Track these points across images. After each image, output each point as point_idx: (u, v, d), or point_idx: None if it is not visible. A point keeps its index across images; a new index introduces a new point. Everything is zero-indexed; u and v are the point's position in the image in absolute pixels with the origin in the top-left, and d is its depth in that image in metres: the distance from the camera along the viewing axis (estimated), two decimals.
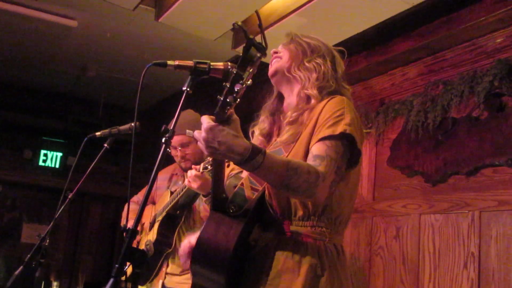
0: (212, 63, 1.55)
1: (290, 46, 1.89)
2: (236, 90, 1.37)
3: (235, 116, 1.47)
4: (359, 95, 4.10)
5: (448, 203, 3.30)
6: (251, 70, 1.40)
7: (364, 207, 3.91)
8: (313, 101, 1.77)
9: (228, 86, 1.38)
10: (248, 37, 1.41)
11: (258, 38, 1.46)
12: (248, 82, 1.40)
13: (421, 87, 3.65)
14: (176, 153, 3.12)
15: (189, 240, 1.82)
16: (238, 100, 1.39)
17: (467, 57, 3.36)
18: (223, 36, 4.00)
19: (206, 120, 1.44)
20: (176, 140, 3.02)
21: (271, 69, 1.90)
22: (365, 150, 4.00)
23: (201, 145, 1.46)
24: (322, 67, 1.82)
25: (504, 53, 3.15)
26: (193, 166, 2.71)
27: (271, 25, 3.54)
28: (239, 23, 1.42)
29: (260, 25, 1.49)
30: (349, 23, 3.49)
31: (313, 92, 1.78)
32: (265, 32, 3.83)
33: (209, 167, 2.63)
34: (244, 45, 1.42)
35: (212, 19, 3.76)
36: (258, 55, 1.41)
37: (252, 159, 1.45)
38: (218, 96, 1.39)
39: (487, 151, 3.14)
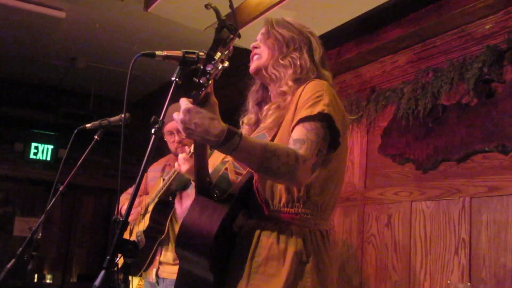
0: (201, 53, 1.55)
1: (268, 42, 1.88)
2: (208, 70, 1.38)
3: (213, 99, 1.48)
4: (349, 84, 4.10)
5: (439, 190, 3.32)
6: (226, 52, 1.41)
7: (356, 195, 3.93)
8: (287, 97, 1.77)
9: (200, 67, 1.40)
10: (220, 18, 1.42)
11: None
12: (225, 64, 1.41)
13: (412, 75, 3.66)
14: (172, 139, 3.12)
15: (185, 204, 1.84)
16: (211, 81, 1.40)
17: (457, 44, 3.36)
18: (213, 25, 3.98)
19: (184, 102, 1.45)
20: (173, 125, 3.03)
21: (251, 68, 1.90)
22: (356, 138, 4.02)
23: (178, 126, 1.47)
24: (298, 61, 1.82)
25: (493, 40, 3.15)
26: (184, 148, 2.71)
27: (259, 15, 3.52)
28: (212, 5, 1.43)
29: (231, 6, 1.50)
30: (338, 11, 3.48)
31: (287, 86, 1.78)
32: (253, 22, 3.83)
33: None
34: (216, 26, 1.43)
35: (202, 8, 3.71)
36: (231, 36, 1.42)
37: (228, 141, 1.46)
38: (194, 78, 1.40)
39: (477, 138, 3.16)
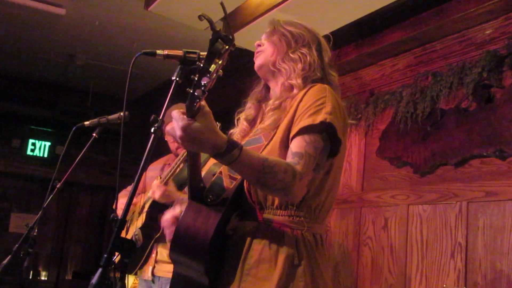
0: (201, 53, 1.54)
1: (273, 38, 1.88)
2: (203, 83, 1.36)
3: (207, 109, 1.45)
4: (349, 86, 4.10)
5: (436, 194, 3.32)
6: (220, 62, 1.39)
7: (353, 197, 3.92)
8: (295, 90, 1.76)
9: (195, 79, 1.37)
10: (215, 30, 1.40)
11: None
12: (219, 73, 1.39)
13: (411, 78, 3.66)
14: (172, 139, 3.12)
15: (172, 212, 1.82)
16: (207, 93, 1.37)
17: (457, 49, 3.37)
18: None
19: (180, 117, 1.42)
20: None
21: (256, 64, 1.89)
22: (354, 140, 4.02)
23: (177, 140, 1.45)
24: (308, 57, 1.81)
25: (493, 45, 3.16)
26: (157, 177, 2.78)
27: (259, 16, 3.52)
28: (207, 15, 1.42)
29: (225, 16, 1.49)
30: (339, 14, 3.48)
31: (297, 81, 1.77)
32: (253, 23, 3.82)
33: (169, 174, 2.93)
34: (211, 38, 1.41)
35: (202, 8, 3.72)
36: (226, 47, 1.40)
37: (227, 153, 1.45)
38: (188, 89, 1.38)
39: (475, 142, 3.16)
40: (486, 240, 3.00)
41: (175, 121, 1.43)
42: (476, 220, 3.07)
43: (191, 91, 1.37)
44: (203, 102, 1.43)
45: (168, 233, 1.80)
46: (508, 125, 3.00)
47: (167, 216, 1.81)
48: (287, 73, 1.81)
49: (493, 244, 2.96)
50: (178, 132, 1.42)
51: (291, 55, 1.82)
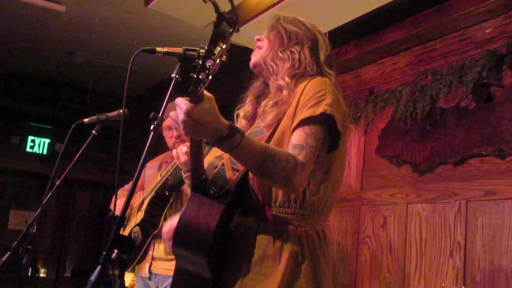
0: (201, 50, 1.53)
1: (270, 34, 1.87)
2: (207, 66, 1.34)
3: (209, 94, 1.44)
4: (348, 84, 4.10)
5: (435, 193, 3.32)
6: (224, 46, 1.37)
7: (352, 196, 3.93)
8: (284, 91, 1.74)
9: (200, 62, 1.36)
10: (219, 12, 1.39)
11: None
12: (223, 58, 1.37)
13: (410, 77, 3.66)
14: (171, 134, 3.11)
15: (171, 222, 1.82)
16: (211, 76, 1.35)
17: (457, 47, 3.37)
18: (212, 23, 3.96)
19: (184, 102, 1.40)
20: (171, 121, 3.02)
21: (251, 61, 1.89)
22: (354, 139, 4.02)
23: (179, 126, 1.44)
24: (297, 55, 1.79)
25: (493, 44, 3.16)
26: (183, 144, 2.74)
27: (259, 14, 3.51)
28: None
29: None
30: (339, 12, 3.48)
31: (284, 81, 1.75)
32: (254, 20, 3.81)
33: (169, 171, 2.88)
34: (215, 20, 1.39)
35: (202, 5, 3.70)
36: (230, 30, 1.39)
37: (228, 138, 1.44)
38: (192, 74, 1.36)
39: (474, 141, 3.16)
40: (485, 239, 3.00)
41: (178, 106, 1.41)
42: (475, 219, 3.08)
43: (195, 75, 1.35)
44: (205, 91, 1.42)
45: (169, 245, 1.81)
46: (508, 124, 3.00)
47: (166, 229, 1.82)
48: (275, 72, 1.80)
49: (491, 243, 2.97)
50: (181, 116, 1.40)
51: (280, 54, 1.81)
